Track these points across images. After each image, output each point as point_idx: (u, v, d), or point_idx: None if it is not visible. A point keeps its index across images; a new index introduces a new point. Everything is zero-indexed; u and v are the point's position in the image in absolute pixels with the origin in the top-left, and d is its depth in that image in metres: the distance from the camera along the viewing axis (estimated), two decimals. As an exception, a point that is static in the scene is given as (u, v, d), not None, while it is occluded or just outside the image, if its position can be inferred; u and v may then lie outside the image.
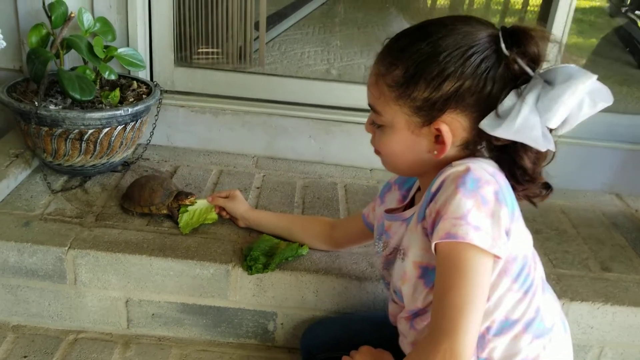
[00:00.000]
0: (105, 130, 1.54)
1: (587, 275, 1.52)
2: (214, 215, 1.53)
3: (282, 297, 1.42)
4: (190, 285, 1.40)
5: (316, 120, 1.92)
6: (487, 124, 0.92)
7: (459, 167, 0.93)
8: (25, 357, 1.36)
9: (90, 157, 1.58)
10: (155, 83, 1.74)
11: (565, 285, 1.46)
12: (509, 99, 0.91)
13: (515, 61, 0.92)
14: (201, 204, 1.55)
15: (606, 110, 0.93)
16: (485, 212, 0.89)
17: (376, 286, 1.41)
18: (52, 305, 1.44)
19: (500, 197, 0.91)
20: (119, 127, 1.57)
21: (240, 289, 1.41)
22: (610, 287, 1.48)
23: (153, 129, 1.79)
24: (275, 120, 1.92)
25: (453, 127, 0.96)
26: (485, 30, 0.94)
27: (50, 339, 1.42)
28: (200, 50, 2.04)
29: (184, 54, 1.97)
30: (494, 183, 0.91)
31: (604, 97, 0.91)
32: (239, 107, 1.91)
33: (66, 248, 1.37)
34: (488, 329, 0.98)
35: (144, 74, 1.88)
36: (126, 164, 1.77)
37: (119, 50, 1.67)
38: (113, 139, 1.57)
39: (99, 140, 1.55)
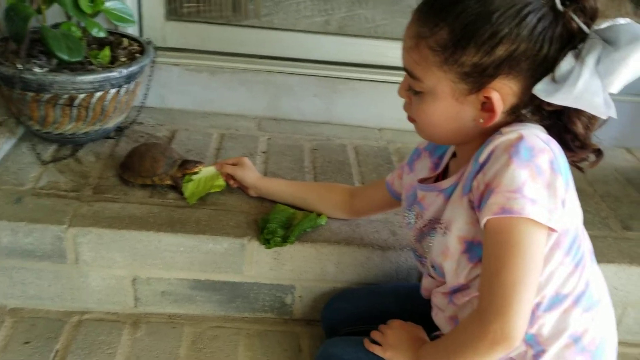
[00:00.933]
0: (98, 94, 1.41)
1: (609, 236, 1.47)
2: (221, 182, 1.42)
3: (301, 269, 1.33)
4: (202, 261, 1.31)
5: (321, 78, 1.80)
6: (542, 90, 0.84)
7: (510, 134, 0.85)
8: (27, 342, 1.26)
9: (82, 124, 1.45)
10: (148, 40, 1.60)
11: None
12: (567, 62, 0.82)
13: (572, 18, 0.82)
14: (206, 171, 1.43)
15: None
16: (541, 183, 0.82)
17: (399, 255, 1.34)
18: (52, 286, 1.33)
19: (555, 166, 0.83)
20: (113, 91, 1.43)
21: (256, 263, 1.32)
22: (634, 246, 1.43)
23: (147, 90, 1.66)
24: (278, 79, 1.80)
25: (503, 93, 0.86)
26: None
27: (52, 322, 1.32)
28: (191, 1, 1.88)
29: (174, 6, 1.81)
30: (549, 151, 0.83)
31: None
32: (237, 64, 1.77)
33: (65, 226, 1.26)
34: (538, 304, 0.92)
35: (132, 30, 1.72)
36: (119, 130, 1.64)
37: (106, 3, 1.50)
38: (107, 103, 1.44)
39: (91, 105, 1.41)
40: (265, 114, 1.85)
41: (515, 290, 0.81)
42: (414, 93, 0.93)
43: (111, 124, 1.53)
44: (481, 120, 0.89)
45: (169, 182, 1.39)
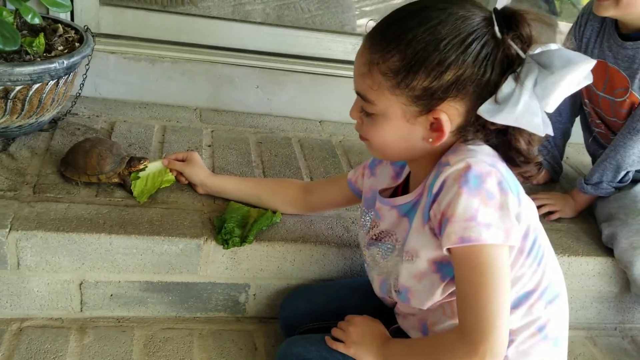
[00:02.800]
0: (36, 86, 1.31)
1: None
2: (170, 177, 1.38)
3: (257, 268, 1.32)
4: (155, 263, 1.27)
5: (264, 70, 1.77)
6: (486, 111, 0.89)
7: (458, 165, 0.90)
8: (-37, 355, 1.18)
9: (16, 118, 1.35)
10: (85, 27, 1.50)
11: (529, 239, 1.49)
12: (508, 85, 0.88)
13: (510, 45, 0.88)
14: (152, 166, 1.38)
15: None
16: (494, 206, 0.88)
17: (354, 252, 1.36)
18: (-12, 293, 1.24)
19: (504, 186, 0.89)
20: (51, 82, 1.34)
21: (212, 263, 1.29)
22: (564, 237, 1.54)
23: (83, 80, 1.56)
24: (220, 69, 1.75)
25: (451, 114, 0.92)
26: (479, 13, 0.90)
27: (-11, 331, 1.24)
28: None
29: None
30: (496, 172, 0.89)
31: (589, 75, 0.90)
32: (179, 54, 1.71)
33: (6, 230, 1.17)
34: None
35: (63, 15, 1.61)
36: (54, 122, 1.54)
37: (39, -14, 1.40)
38: (44, 95, 1.34)
39: (28, 97, 1.31)
40: (206, 105, 1.80)
41: (494, 311, 0.87)
42: (366, 115, 0.97)
43: (47, 116, 1.43)
44: (430, 140, 0.94)
45: (116, 180, 1.33)
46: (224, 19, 1.80)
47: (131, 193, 1.33)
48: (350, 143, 1.80)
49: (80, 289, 1.28)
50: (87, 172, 1.30)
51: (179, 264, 1.28)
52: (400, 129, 0.95)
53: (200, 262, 1.28)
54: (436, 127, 0.93)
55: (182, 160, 1.40)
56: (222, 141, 1.65)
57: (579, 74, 0.87)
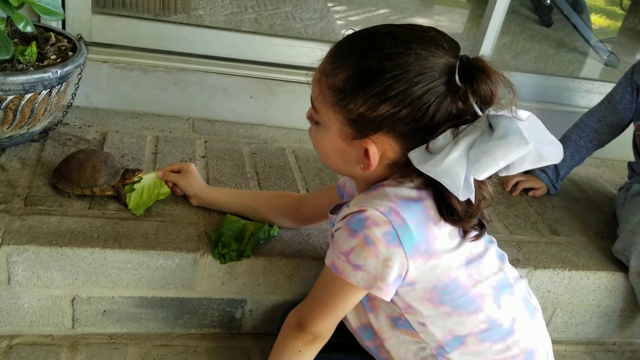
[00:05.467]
0: (28, 96, 1.28)
1: (541, 241, 1.57)
2: (166, 190, 1.35)
3: (254, 283, 1.30)
4: (150, 278, 1.24)
5: (258, 79, 1.75)
6: (415, 156, 0.89)
7: (353, 207, 0.93)
8: (-50, 375, 1.14)
9: (7, 128, 1.31)
10: (79, 36, 1.47)
11: (526, 252, 1.49)
12: (443, 138, 0.87)
13: (466, 97, 0.86)
14: (147, 178, 1.36)
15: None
16: (370, 252, 0.90)
17: (352, 266, 1.34)
18: (-23, 309, 1.20)
19: (390, 238, 0.89)
20: (44, 92, 1.31)
21: (208, 278, 1.26)
22: (563, 251, 1.54)
23: (75, 89, 1.53)
24: (213, 79, 1.73)
25: (382, 147, 0.92)
26: (443, 56, 0.88)
27: (-23, 349, 1.20)
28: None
29: (101, -2, 1.68)
30: (385, 224, 0.89)
31: (552, 154, 0.88)
32: (172, 63, 1.68)
33: (-3, 244, 1.14)
34: (440, 347, 1.00)
35: (54, 24, 1.58)
36: (44, 132, 1.50)
37: (31, -6, 1.37)
38: (37, 105, 1.31)
39: (20, 108, 1.28)
40: (199, 115, 1.77)
41: (319, 320, 1.00)
42: (314, 122, 0.99)
43: (39, 126, 1.40)
44: (362, 166, 0.95)
45: (110, 192, 1.30)
46: (218, 28, 1.78)
47: (126, 206, 1.30)
48: (344, 154, 1.78)
49: (72, 304, 1.24)
50: (80, 184, 1.27)
51: (175, 278, 1.25)
52: (337, 145, 0.95)
53: (196, 277, 1.26)
54: (368, 156, 0.93)
55: (178, 172, 1.38)
56: (216, 152, 1.62)
57: (512, 154, 0.84)
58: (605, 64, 2.93)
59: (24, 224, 1.19)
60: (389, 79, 0.86)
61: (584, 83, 2.12)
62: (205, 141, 1.67)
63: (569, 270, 1.48)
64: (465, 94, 0.86)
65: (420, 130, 0.88)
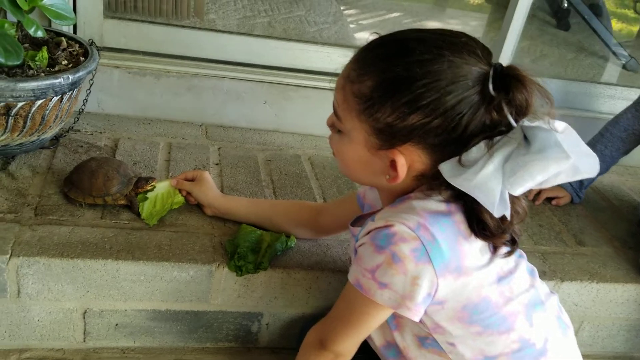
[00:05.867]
0: (39, 102, 1.24)
1: (566, 252, 1.51)
2: (180, 199, 1.31)
3: (271, 296, 1.25)
4: (164, 290, 1.19)
5: (272, 84, 1.71)
6: (446, 169, 0.84)
7: (379, 222, 0.88)
8: (-42, 391, 1.10)
9: (17, 135, 1.27)
10: (90, 41, 1.43)
11: (552, 264, 1.44)
12: (477, 150, 0.82)
13: (500, 107, 0.81)
14: (160, 187, 1.31)
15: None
16: (397, 270, 0.85)
17: (372, 278, 1.29)
18: (-15, 323, 1.17)
19: (419, 255, 0.84)
20: (55, 98, 1.27)
21: (223, 290, 1.22)
22: (590, 262, 1.48)
23: (87, 95, 1.49)
24: (227, 84, 1.68)
25: (411, 159, 0.87)
26: (476, 64, 0.83)
27: (-15, 363, 1.16)
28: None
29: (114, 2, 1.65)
30: (413, 240, 0.84)
31: (588, 167, 0.82)
32: (185, 68, 1.64)
33: (7, 256, 1.09)
34: None
35: (65, 28, 1.54)
36: (55, 139, 1.47)
37: (43, -2, 1.33)
38: (47, 112, 1.27)
39: (30, 114, 1.24)
40: (212, 121, 1.73)
41: (342, 339, 0.95)
42: (336, 131, 0.94)
43: (50, 133, 1.36)
44: (387, 177, 0.90)
45: (123, 201, 1.26)
46: (231, 32, 1.74)
47: (139, 215, 1.26)
48: (361, 161, 1.73)
49: (84, 318, 1.20)
50: (92, 193, 1.23)
51: (189, 291, 1.21)
52: (362, 155, 0.90)
53: (212, 290, 1.21)
54: (394, 167, 0.88)
55: (192, 180, 1.34)
56: (230, 159, 1.58)
57: (551, 168, 0.79)
58: (626, 69, 2.87)
59: (34, 235, 1.15)
60: (420, 87, 0.81)
61: (606, 88, 2.07)
62: (219, 148, 1.63)
63: (596, 283, 1.42)
64: (499, 104, 0.81)
65: (452, 141, 0.83)
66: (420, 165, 0.88)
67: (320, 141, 1.79)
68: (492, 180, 0.80)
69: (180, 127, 1.69)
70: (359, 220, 1.13)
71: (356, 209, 1.21)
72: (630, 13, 4.69)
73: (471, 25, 3.40)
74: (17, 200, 1.24)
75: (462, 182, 0.82)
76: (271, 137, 1.75)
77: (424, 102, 0.81)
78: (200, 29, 1.73)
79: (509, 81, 0.82)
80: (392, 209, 0.90)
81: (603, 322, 1.49)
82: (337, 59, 1.79)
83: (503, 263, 0.94)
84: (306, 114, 1.77)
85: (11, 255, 1.10)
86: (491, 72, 0.83)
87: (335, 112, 0.92)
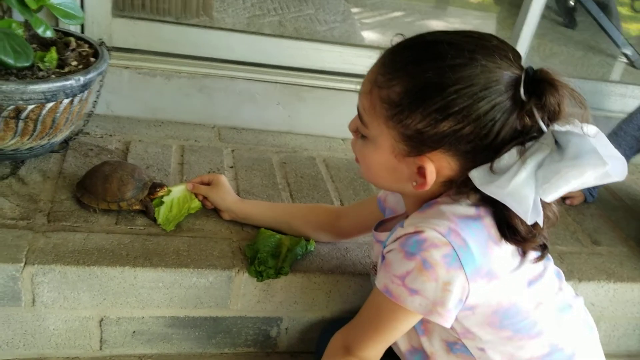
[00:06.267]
0: (50, 105, 1.20)
1: (583, 252, 1.49)
2: (196, 204, 1.28)
3: (291, 300, 1.22)
4: (182, 297, 1.16)
5: (286, 85, 1.68)
6: (477, 177, 0.81)
7: (408, 228, 0.85)
8: (-28, 403, 1.06)
9: (27, 139, 1.24)
10: (100, 40, 1.40)
11: (569, 264, 1.42)
12: (509, 156, 0.79)
13: (532, 112, 0.79)
14: (176, 191, 1.28)
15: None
16: (428, 276, 0.82)
17: (393, 281, 1.26)
18: (0, 332, 1.13)
19: (450, 261, 0.81)
20: (66, 101, 1.23)
21: (243, 296, 1.19)
22: (607, 262, 1.46)
23: (97, 97, 1.46)
24: (239, 85, 1.65)
25: (440, 165, 0.84)
26: (508, 67, 0.80)
27: (0, 373, 1.13)
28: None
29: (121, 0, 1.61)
30: (444, 245, 0.81)
31: (618, 171, 0.80)
32: (196, 68, 1.61)
33: (21, 264, 1.06)
34: None
35: (73, 28, 1.51)
36: (65, 142, 1.43)
37: (51, -3, 1.29)
38: (58, 115, 1.24)
39: (40, 117, 1.21)
40: (224, 123, 1.70)
41: (369, 345, 0.93)
42: (360, 136, 0.91)
43: (60, 137, 1.33)
44: (414, 183, 0.87)
45: (138, 207, 1.23)
46: (243, 31, 1.70)
47: (155, 221, 1.22)
48: (375, 162, 1.70)
49: (101, 325, 1.17)
50: (106, 198, 1.20)
51: (208, 297, 1.18)
52: (387, 162, 0.88)
53: (231, 295, 1.18)
54: (422, 174, 0.85)
55: (208, 184, 1.31)
56: (244, 161, 1.55)
57: (587, 174, 0.76)
58: (635, 67, 2.85)
59: (49, 242, 1.12)
60: (452, 94, 0.78)
61: (617, 87, 2.05)
62: (233, 150, 1.59)
63: (614, 282, 1.40)
64: (531, 109, 0.79)
65: (483, 148, 0.80)
66: (448, 171, 0.85)
67: (334, 142, 1.76)
68: (525, 187, 0.78)
69: (192, 129, 1.65)
70: (381, 225, 1.10)
71: (376, 212, 1.18)
72: (626, 10, 4.67)
73: (471, 24, 3.37)
74: (28, 206, 1.21)
75: (494, 190, 0.79)
76: (285, 139, 1.72)
77: (456, 109, 0.78)
78: (211, 27, 1.69)
79: (542, 85, 0.79)
80: (420, 215, 0.87)
81: (619, 321, 1.47)
82: (350, 58, 1.76)
83: (533, 266, 0.91)
84: (319, 115, 1.74)
85: (25, 263, 1.07)
86: (523, 77, 0.80)
87: (360, 117, 0.89)
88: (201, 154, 1.54)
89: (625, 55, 2.93)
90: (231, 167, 1.51)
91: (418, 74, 0.80)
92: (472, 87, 0.78)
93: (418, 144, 0.83)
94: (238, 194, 1.38)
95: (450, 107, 0.78)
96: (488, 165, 0.80)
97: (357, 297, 1.25)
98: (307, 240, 1.25)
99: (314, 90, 1.70)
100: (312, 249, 1.24)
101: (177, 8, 1.71)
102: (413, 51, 0.83)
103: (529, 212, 0.78)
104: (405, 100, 0.81)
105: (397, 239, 0.86)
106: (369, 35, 2.33)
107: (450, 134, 0.80)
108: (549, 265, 0.95)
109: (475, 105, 0.78)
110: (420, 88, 0.80)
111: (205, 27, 1.69)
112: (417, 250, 0.82)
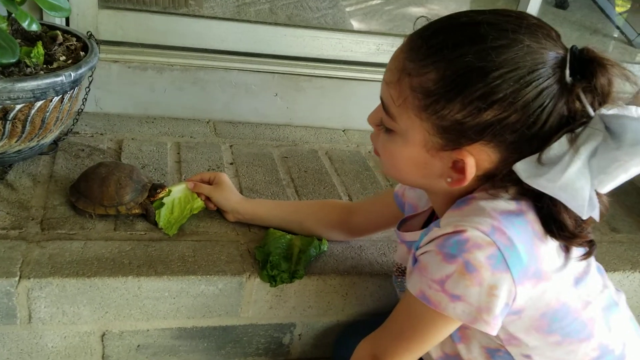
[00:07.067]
0: (39, 104, 1.11)
1: (603, 240, 1.44)
2: (199, 203, 1.20)
3: (305, 305, 1.15)
4: (190, 306, 1.09)
5: (283, 75, 1.60)
6: (524, 169, 0.74)
7: (446, 228, 0.78)
8: None
9: (16, 141, 1.15)
10: (89, 33, 1.30)
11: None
12: (559, 145, 0.72)
13: (579, 96, 0.72)
14: (176, 191, 1.20)
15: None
16: (472, 280, 0.75)
17: (411, 280, 1.20)
18: (-6, 352, 1.05)
19: (495, 262, 0.74)
20: (56, 98, 1.14)
21: (255, 302, 1.12)
22: (629, 250, 1.41)
23: (86, 93, 1.36)
24: (234, 76, 1.56)
25: (479, 158, 0.77)
26: (552, 47, 0.73)
27: (-5, 397, 1.04)
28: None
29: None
30: (489, 246, 0.74)
31: None
32: (189, 60, 1.52)
33: (16, 278, 0.97)
34: None
35: (58, 20, 1.41)
36: (54, 143, 1.34)
37: (34, -12, 1.20)
38: (48, 114, 1.15)
39: (29, 117, 1.12)
40: (220, 117, 1.61)
41: (402, 354, 0.86)
42: (384, 129, 0.83)
43: (50, 137, 1.23)
44: (449, 180, 0.80)
45: (137, 211, 1.14)
46: (236, 20, 1.61)
47: (156, 224, 1.14)
48: (379, 153, 1.64)
49: (102, 340, 1.09)
50: (103, 203, 1.11)
51: (218, 305, 1.10)
52: (417, 157, 0.81)
53: (242, 303, 1.11)
54: (459, 168, 0.78)
55: (209, 183, 1.23)
56: (244, 157, 1.46)
57: None
58: (633, 45, 2.80)
59: (44, 253, 1.03)
60: (496, 78, 0.71)
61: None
62: (231, 146, 1.51)
63: (638, 272, 1.35)
64: (579, 94, 0.72)
65: (529, 137, 0.74)
66: (487, 164, 0.78)
67: (335, 134, 1.68)
68: (580, 179, 0.71)
69: (186, 124, 1.56)
70: (404, 224, 1.03)
71: (393, 208, 1.11)
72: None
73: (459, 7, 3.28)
74: (20, 213, 1.12)
75: (544, 183, 0.72)
76: (284, 132, 1.64)
77: (501, 95, 0.71)
78: (203, 17, 1.61)
79: (591, 66, 0.72)
80: (458, 212, 0.80)
81: (641, 311, 1.43)
82: (350, 45, 1.68)
83: (577, 264, 0.85)
84: (320, 106, 1.66)
85: (20, 277, 0.98)
86: (569, 57, 0.73)
87: (385, 109, 0.81)
88: (198, 150, 1.45)
89: (623, 34, 2.89)
90: (231, 164, 1.43)
91: (456, 59, 0.73)
92: (518, 70, 0.71)
93: (456, 136, 0.75)
94: (241, 192, 1.30)
95: (495, 93, 0.71)
96: (535, 156, 0.73)
97: (373, 298, 1.19)
98: (319, 239, 1.18)
99: (313, 80, 1.62)
100: (325, 249, 1.17)
101: (165, -2, 1.61)
102: (448, 34, 0.75)
103: (585, 206, 0.71)
104: (442, 88, 0.73)
105: (433, 239, 0.79)
106: (361, 21, 2.26)
107: (494, 123, 0.73)
108: (592, 261, 0.89)
109: (523, 90, 0.71)
110: (459, 74, 0.72)
111: (196, 16, 1.60)
112: (459, 251, 0.75)
